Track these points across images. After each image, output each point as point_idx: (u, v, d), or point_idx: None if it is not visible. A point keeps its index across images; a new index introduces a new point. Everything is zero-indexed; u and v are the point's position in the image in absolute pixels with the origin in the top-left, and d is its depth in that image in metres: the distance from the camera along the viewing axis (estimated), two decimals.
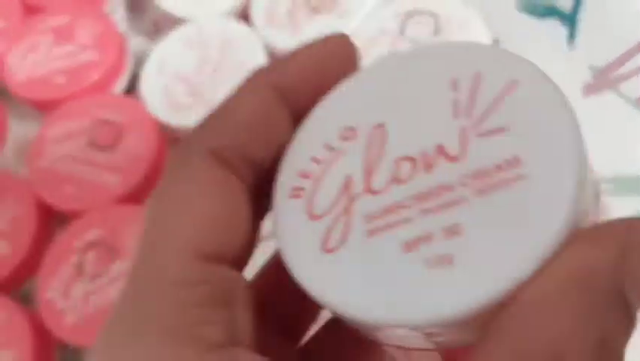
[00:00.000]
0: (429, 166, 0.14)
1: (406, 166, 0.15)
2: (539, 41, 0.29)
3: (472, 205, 0.13)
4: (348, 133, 0.16)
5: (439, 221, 0.14)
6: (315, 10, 0.31)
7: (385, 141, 0.15)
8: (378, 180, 0.15)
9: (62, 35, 0.33)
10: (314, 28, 0.31)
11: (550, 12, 0.29)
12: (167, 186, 0.14)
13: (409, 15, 0.30)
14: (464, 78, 0.15)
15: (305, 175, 0.16)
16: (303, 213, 0.15)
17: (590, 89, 0.27)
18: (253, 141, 0.15)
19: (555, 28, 0.29)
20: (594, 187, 0.14)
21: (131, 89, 0.33)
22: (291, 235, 0.15)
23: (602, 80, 0.27)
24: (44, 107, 0.32)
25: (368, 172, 0.15)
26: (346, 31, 0.16)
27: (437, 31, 0.29)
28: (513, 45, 0.29)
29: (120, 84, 0.33)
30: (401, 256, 0.14)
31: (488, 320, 0.12)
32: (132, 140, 0.30)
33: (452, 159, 0.14)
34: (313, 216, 0.15)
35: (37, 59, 0.32)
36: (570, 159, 0.13)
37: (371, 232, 0.14)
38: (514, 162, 0.13)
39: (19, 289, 0.29)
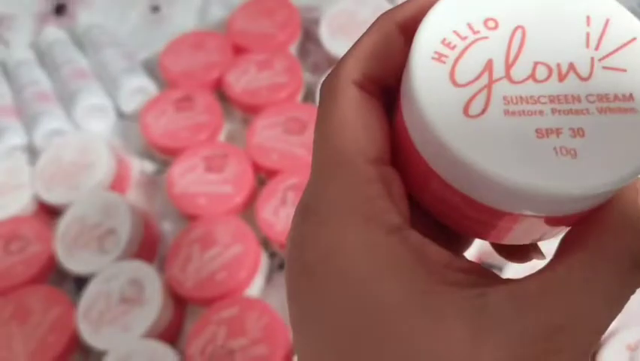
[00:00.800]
0: (562, 77, 0.17)
1: (543, 70, 0.17)
2: None
3: (595, 118, 0.16)
4: (491, 23, 0.17)
5: (568, 121, 0.16)
6: None
7: (525, 43, 0.17)
8: (518, 72, 0.17)
9: (264, 65, 0.50)
10: None
11: None
12: (327, 112, 0.17)
13: None
14: (597, 18, 0.17)
15: (448, 44, 0.17)
16: (446, 78, 0.16)
17: None
18: (381, 69, 0.17)
19: None
20: None
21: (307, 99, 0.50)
22: (433, 96, 0.16)
23: None
24: (252, 110, 0.49)
25: (508, 63, 0.17)
26: None
27: None
28: None
29: (299, 98, 0.50)
30: (534, 139, 0.16)
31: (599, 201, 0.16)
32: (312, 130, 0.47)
33: (582, 78, 0.17)
34: (456, 83, 0.16)
35: (249, 79, 0.50)
36: None
37: (509, 112, 0.16)
38: (629, 97, 0.16)
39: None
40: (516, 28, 0.17)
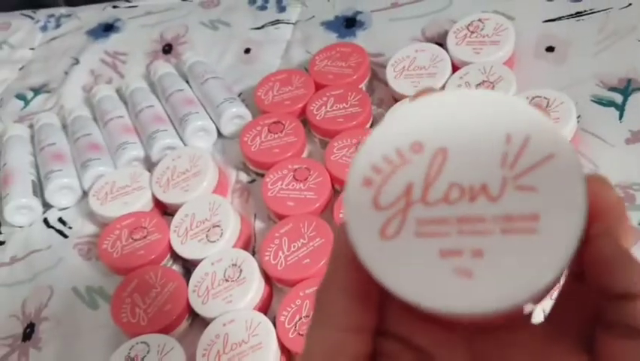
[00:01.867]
0: (473, 198, 0.18)
1: (456, 191, 0.18)
2: (604, 117, 0.54)
3: (496, 239, 0.17)
4: (417, 147, 0.18)
5: (470, 242, 0.17)
6: None
7: (444, 164, 0.18)
8: (433, 195, 0.18)
9: (340, 99, 0.61)
10: None
11: (610, 104, 0.54)
12: (319, 320, 0.21)
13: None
14: (517, 136, 0.18)
15: (376, 170, 0.18)
16: (369, 203, 0.18)
17: (629, 141, 0.51)
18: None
19: (613, 112, 0.54)
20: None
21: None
22: (358, 220, 0.18)
23: (636, 136, 0.51)
24: (329, 134, 0.60)
25: (427, 185, 0.18)
26: None
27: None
28: (587, 119, 0.53)
29: (368, 125, 0.61)
30: (437, 259, 0.17)
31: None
32: None
33: (491, 198, 0.17)
34: (378, 207, 0.18)
35: (327, 109, 0.61)
36: (573, 234, 0.17)
37: (419, 234, 0.18)
38: (533, 217, 0.17)
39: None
40: (438, 151, 0.18)
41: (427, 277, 0.17)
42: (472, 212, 0.17)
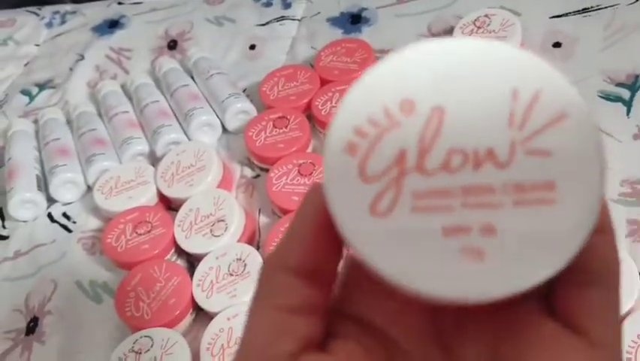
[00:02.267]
0: (478, 165, 0.15)
1: (458, 158, 0.15)
2: (611, 112, 0.53)
3: (508, 213, 0.15)
4: (407, 106, 0.16)
5: (478, 217, 0.15)
6: None
7: (442, 126, 0.15)
8: (431, 162, 0.15)
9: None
10: None
11: (618, 100, 0.54)
12: (263, 298, 0.18)
13: None
14: (525, 91, 0.15)
15: (361, 133, 0.16)
16: (355, 172, 0.15)
17: (637, 136, 0.51)
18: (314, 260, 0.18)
19: (621, 108, 0.54)
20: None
21: None
22: (342, 193, 0.15)
23: None
24: None
25: (422, 152, 0.15)
26: None
27: None
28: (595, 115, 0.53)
29: None
30: (440, 238, 0.15)
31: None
32: None
33: (499, 165, 0.15)
34: (366, 178, 0.15)
35: (332, 104, 0.61)
36: (593, 201, 0.15)
37: (416, 209, 0.15)
38: (549, 185, 0.15)
39: None
40: (434, 110, 0.16)
41: (429, 261, 0.15)
42: (478, 181, 0.15)
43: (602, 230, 0.17)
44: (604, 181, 0.15)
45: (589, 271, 0.17)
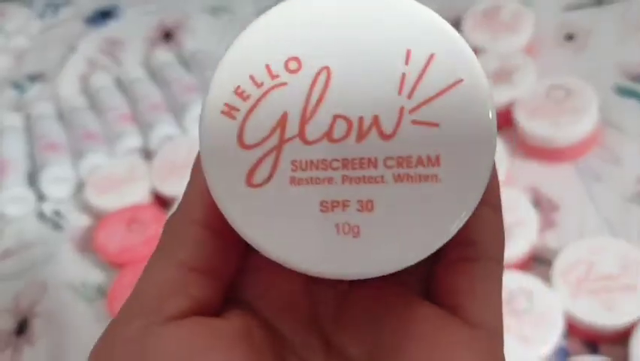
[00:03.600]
0: (362, 134, 0.14)
1: (342, 125, 0.14)
2: (626, 108, 0.51)
3: (389, 188, 0.14)
4: (293, 63, 0.15)
5: (357, 192, 0.14)
6: None
7: (328, 89, 0.14)
8: (313, 129, 0.14)
9: None
10: None
11: (633, 95, 0.52)
12: (165, 251, 0.17)
13: None
14: (419, 54, 0.14)
15: (241, 94, 0.14)
16: (234, 137, 0.14)
17: None
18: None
19: (635, 104, 0.52)
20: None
21: None
22: (217, 160, 0.14)
23: None
24: None
25: (305, 117, 0.14)
26: None
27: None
28: (608, 110, 0.51)
29: None
30: (317, 213, 0.14)
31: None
32: None
33: (384, 136, 0.14)
34: (244, 144, 0.14)
35: None
36: (479, 178, 0.14)
37: (295, 180, 0.14)
38: (435, 160, 0.14)
39: None
40: (320, 70, 0.14)
41: (305, 236, 0.14)
42: (360, 153, 0.14)
43: (489, 203, 0.16)
44: (492, 157, 0.14)
45: (470, 242, 0.17)
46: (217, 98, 0.15)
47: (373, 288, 0.18)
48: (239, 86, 0.15)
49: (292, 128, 0.15)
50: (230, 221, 0.15)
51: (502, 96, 0.50)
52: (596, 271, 0.41)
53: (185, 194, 0.17)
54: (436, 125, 0.14)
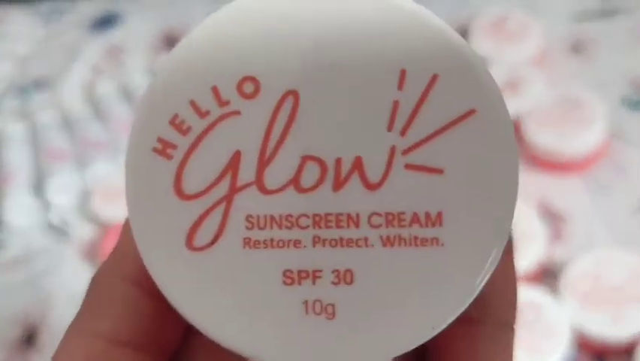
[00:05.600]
0: (339, 184, 0.11)
1: (313, 171, 0.11)
2: (635, 120, 0.51)
3: (374, 254, 0.11)
4: (249, 86, 0.11)
5: (332, 259, 0.11)
6: None
7: (294, 121, 0.11)
8: (275, 175, 0.11)
9: None
10: None
11: None
12: (84, 317, 0.14)
13: None
14: (417, 74, 0.11)
15: (179, 126, 0.11)
16: (169, 184, 0.11)
17: None
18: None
19: None
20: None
21: None
22: (148, 215, 0.11)
23: None
24: None
25: (264, 158, 0.11)
26: None
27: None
28: (617, 122, 0.51)
29: None
30: (279, 286, 0.11)
31: None
32: None
33: (369, 185, 0.11)
34: (183, 194, 0.11)
35: None
36: (495, 240, 0.11)
37: (250, 242, 0.11)
38: (435, 218, 0.11)
39: None
40: (285, 95, 0.11)
41: (260, 316, 0.11)
42: (337, 207, 0.11)
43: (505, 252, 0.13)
44: (512, 213, 0.11)
45: (475, 301, 0.14)
46: (147, 130, 0.11)
47: None
48: (176, 115, 0.11)
49: (247, 172, 0.11)
50: (167, 296, 0.12)
51: (509, 108, 0.50)
52: (604, 283, 0.41)
53: (118, 242, 0.14)
54: (439, 171, 0.11)
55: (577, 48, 0.57)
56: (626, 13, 0.58)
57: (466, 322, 0.14)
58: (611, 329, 0.40)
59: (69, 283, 0.57)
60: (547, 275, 0.44)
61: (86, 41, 0.78)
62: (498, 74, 0.53)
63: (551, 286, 0.42)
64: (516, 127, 0.49)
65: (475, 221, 0.11)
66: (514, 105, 0.50)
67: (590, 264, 0.42)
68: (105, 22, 0.80)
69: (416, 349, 0.15)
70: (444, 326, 0.11)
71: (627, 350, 0.39)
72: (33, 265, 0.59)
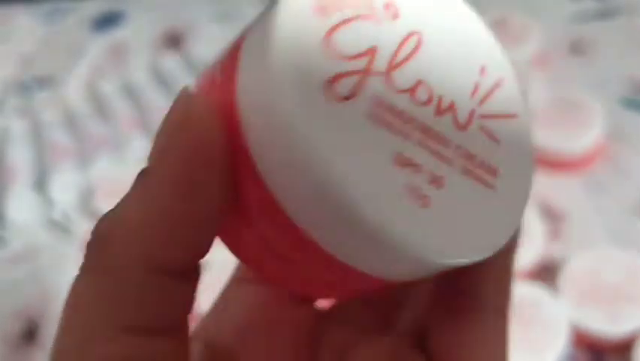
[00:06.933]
0: (440, 111, 0.14)
1: (424, 92, 0.13)
2: (634, 121, 0.52)
3: (457, 173, 0.14)
4: (391, 9, 0.14)
5: (431, 162, 0.13)
6: None
7: (417, 53, 0.14)
8: (398, 79, 0.13)
9: None
10: None
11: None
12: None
13: None
14: (491, 74, 0.15)
15: (336, 2, 0.13)
16: (321, 36, 0.12)
17: None
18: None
19: None
20: None
21: None
22: (296, 49, 0.12)
23: None
24: None
25: (392, 63, 0.13)
26: None
27: None
28: (616, 123, 0.51)
29: None
30: (389, 165, 0.12)
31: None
32: None
33: (458, 124, 0.14)
34: (332, 49, 0.12)
35: None
36: (523, 205, 0.15)
37: (375, 117, 0.12)
38: (493, 170, 0.14)
39: None
40: (413, 32, 0.14)
41: (371, 180, 0.12)
42: (438, 127, 0.13)
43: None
44: (529, 193, 0.15)
45: (471, 291, 0.15)
46: None
47: (372, 345, 0.16)
48: None
49: (380, 64, 0.13)
50: (295, 128, 0.12)
51: None
52: (602, 281, 0.42)
53: (118, 242, 0.13)
54: (497, 140, 0.15)
55: (576, 49, 0.58)
56: (626, 14, 0.59)
57: (463, 309, 0.15)
58: (609, 326, 0.40)
59: (71, 280, 0.57)
60: (546, 273, 0.44)
61: (89, 40, 0.78)
62: None
63: (550, 284, 0.42)
64: None
65: (513, 184, 0.15)
66: None
67: (588, 262, 0.43)
68: (108, 21, 0.81)
69: (417, 334, 0.17)
70: (502, 243, 0.14)
71: (624, 347, 0.40)
72: (35, 261, 0.59)
